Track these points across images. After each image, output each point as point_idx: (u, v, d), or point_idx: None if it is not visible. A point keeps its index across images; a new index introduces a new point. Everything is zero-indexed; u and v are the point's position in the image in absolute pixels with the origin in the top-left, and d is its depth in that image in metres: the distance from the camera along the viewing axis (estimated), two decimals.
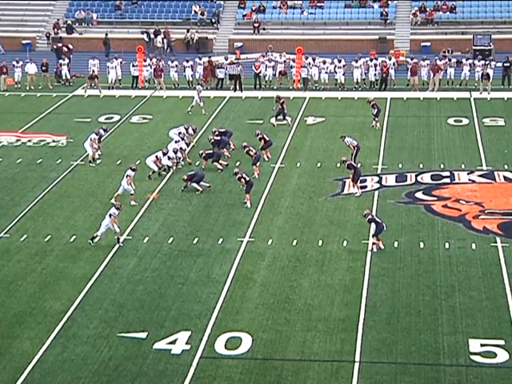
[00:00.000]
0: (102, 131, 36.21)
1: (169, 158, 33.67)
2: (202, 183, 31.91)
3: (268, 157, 34.89)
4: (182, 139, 35.65)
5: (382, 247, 26.60)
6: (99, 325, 22.77)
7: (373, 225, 27.00)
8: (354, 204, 30.54)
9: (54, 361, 21.17)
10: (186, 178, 31.97)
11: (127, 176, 30.71)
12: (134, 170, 31.06)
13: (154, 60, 47.58)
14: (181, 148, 34.62)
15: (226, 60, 47.75)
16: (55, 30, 57.63)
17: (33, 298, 24.32)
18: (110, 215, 27.31)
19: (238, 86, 45.94)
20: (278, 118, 39.66)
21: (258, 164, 33.21)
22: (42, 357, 21.33)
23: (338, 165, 33.81)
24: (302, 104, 43.61)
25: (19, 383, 20.31)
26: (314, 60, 46.71)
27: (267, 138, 35.19)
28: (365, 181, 32.63)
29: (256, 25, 56.72)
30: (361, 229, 28.31)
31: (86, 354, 21.40)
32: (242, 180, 30.49)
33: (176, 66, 47.18)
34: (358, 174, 31.43)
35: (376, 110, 38.94)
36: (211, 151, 34.58)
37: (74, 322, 22.90)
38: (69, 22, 58.21)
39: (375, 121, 39.01)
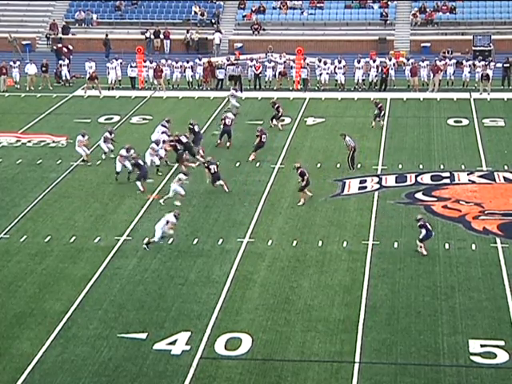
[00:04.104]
0: (107, 134, 35.79)
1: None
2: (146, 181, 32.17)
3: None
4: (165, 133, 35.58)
5: (425, 253, 26.35)
6: (99, 325, 22.78)
7: (423, 231, 26.43)
8: (353, 205, 30.56)
9: (53, 361, 21.18)
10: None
11: (179, 179, 30.51)
12: (186, 174, 30.84)
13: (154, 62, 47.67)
14: (163, 141, 34.65)
15: (228, 60, 47.84)
16: (52, 30, 57.55)
17: (33, 298, 24.33)
18: (168, 222, 26.82)
19: (238, 87, 45.96)
20: (275, 120, 39.41)
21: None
22: (42, 357, 21.34)
23: (338, 165, 33.89)
24: (301, 105, 43.62)
25: None
26: (320, 61, 46.79)
27: (263, 141, 35.05)
28: (365, 181, 32.68)
29: (256, 26, 56.73)
30: (360, 229, 28.34)
31: (85, 355, 21.41)
32: (207, 170, 31.50)
33: (180, 66, 47.31)
34: (307, 183, 30.57)
35: (382, 112, 38.89)
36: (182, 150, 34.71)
37: (74, 323, 22.91)
38: (64, 22, 58.24)
39: (376, 121, 38.99)
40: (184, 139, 34.69)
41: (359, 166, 34.15)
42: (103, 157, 35.30)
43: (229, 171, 33.87)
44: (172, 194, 30.56)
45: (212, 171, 31.78)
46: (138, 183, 31.96)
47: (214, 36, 56.20)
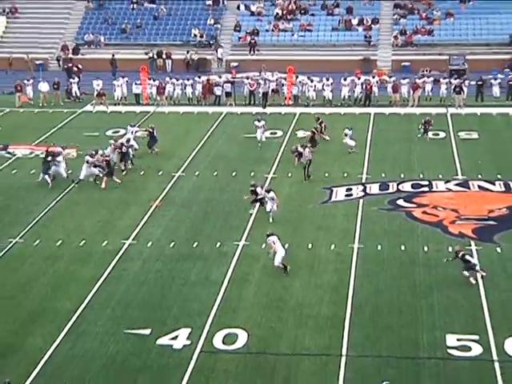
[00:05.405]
0: (88, 157, 33.90)
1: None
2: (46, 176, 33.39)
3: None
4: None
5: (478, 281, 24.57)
6: (107, 322, 22.74)
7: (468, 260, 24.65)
8: (340, 211, 30.55)
9: (64, 356, 21.14)
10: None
11: (272, 199, 29.51)
12: (268, 191, 29.75)
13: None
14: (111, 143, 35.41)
15: (220, 78, 47.91)
16: (64, 51, 57.65)
17: (45, 298, 24.28)
18: (275, 242, 25.47)
19: (264, 103, 45.82)
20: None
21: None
22: (54, 352, 21.31)
23: (326, 175, 33.88)
24: (292, 119, 43.61)
25: (33, 376, 20.31)
26: (308, 78, 46.89)
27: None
28: (351, 189, 32.69)
29: (252, 42, 56.80)
30: (347, 233, 28.34)
31: (94, 350, 21.38)
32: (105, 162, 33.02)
33: (181, 84, 47.38)
34: (261, 201, 30.13)
35: (430, 127, 38.89)
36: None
37: (84, 320, 22.87)
38: (74, 44, 58.28)
39: (425, 135, 38.98)
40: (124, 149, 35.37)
41: (346, 174, 34.17)
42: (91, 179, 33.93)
43: (226, 180, 33.91)
44: (269, 209, 29.63)
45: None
46: (46, 176, 33.28)
47: (217, 51, 56.40)
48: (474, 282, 24.42)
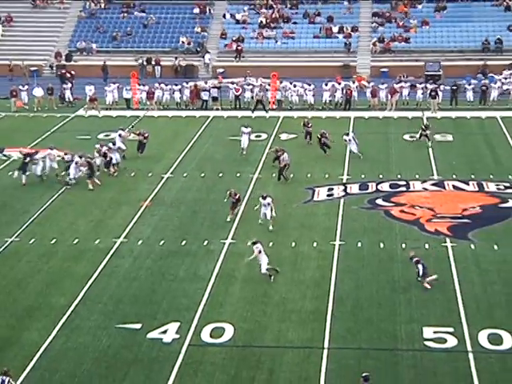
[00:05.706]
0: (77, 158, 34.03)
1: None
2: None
3: None
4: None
5: (429, 287, 23.96)
6: (99, 317, 22.69)
7: (419, 266, 24.06)
8: (322, 210, 30.62)
9: (59, 349, 21.10)
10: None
11: (268, 204, 28.74)
12: (264, 198, 28.86)
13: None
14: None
15: (206, 84, 47.90)
16: (57, 58, 57.51)
17: (40, 293, 24.21)
18: (261, 251, 24.80)
19: (262, 107, 45.59)
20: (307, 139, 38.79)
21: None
22: (49, 346, 21.26)
23: (309, 175, 33.89)
24: (276, 122, 43.66)
25: (28, 369, 20.26)
26: (291, 83, 46.95)
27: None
28: (332, 189, 32.76)
29: (239, 48, 56.83)
30: (328, 231, 28.40)
31: (87, 343, 21.34)
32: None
33: (170, 89, 47.35)
34: (239, 205, 29.82)
35: (429, 132, 38.52)
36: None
37: (77, 315, 22.82)
38: (67, 51, 58.13)
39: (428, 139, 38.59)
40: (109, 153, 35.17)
41: (327, 176, 34.23)
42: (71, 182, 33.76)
43: (213, 181, 33.91)
44: (269, 217, 28.64)
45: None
46: (20, 173, 33.61)
47: (204, 57, 56.37)
48: (429, 286, 23.90)
